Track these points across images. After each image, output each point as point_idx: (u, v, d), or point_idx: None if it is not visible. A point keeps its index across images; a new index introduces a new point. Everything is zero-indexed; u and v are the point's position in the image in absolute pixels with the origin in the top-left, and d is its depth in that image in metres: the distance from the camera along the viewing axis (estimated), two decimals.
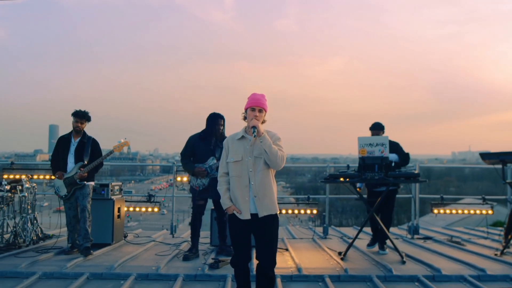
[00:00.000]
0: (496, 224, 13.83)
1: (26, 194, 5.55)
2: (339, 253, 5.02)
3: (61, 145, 5.08)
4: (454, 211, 6.69)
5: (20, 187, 5.56)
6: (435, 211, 6.66)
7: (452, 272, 4.25)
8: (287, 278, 4.12)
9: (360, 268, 4.41)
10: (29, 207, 5.52)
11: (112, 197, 5.57)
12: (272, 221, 3.17)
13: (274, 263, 3.20)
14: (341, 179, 5.02)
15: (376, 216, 5.09)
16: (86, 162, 4.97)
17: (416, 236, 6.51)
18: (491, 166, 5.19)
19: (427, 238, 6.41)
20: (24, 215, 5.46)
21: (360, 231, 5.21)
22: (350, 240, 5.40)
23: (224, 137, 4.85)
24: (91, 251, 4.83)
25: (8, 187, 5.39)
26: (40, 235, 5.71)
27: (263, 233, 3.16)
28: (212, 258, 4.66)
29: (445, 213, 6.67)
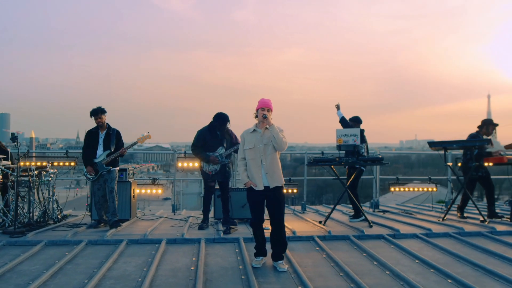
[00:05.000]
0: (440, 202, 15.95)
1: (50, 178, 6.33)
2: (320, 222, 6.27)
3: (90, 138, 5.91)
4: (407, 189, 8.17)
5: (44, 172, 6.32)
6: (392, 189, 8.12)
7: (407, 231, 5.62)
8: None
9: (340, 231, 5.68)
10: (54, 190, 6.31)
11: (129, 179, 6.47)
12: (279, 190, 4.30)
13: (283, 224, 4.33)
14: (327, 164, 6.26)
15: (349, 192, 6.38)
16: (112, 150, 5.86)
17: (376, 210, 7.94)
18: (436, 152, 6.62)
19: (385, 211, 7.85)
20: (50, 196, 6.24)
21: (336, 204, 6.51)
22: (325, 213, 6.69)
23: (228, 131, 5.95)
24: (120, 224, 5.76)
25: (36, 172, 6.14)
26: (61, 215, 6.51)
27: (273, 200, 4.28)
28: (224, 226, 5.77)
29: (400, 191, 8.14)
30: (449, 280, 3.84)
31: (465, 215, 6.86)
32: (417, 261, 4.44)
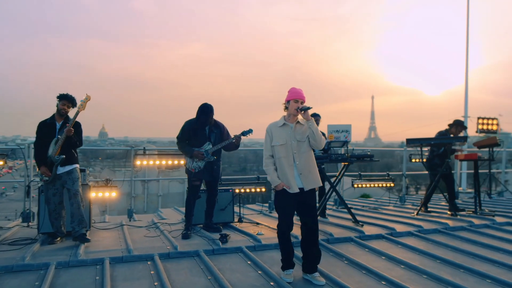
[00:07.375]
0: (363, 196, 16.86)
1: None
2: None
3: (45, 131, 4.63)
4: (368, 185, 8.23)
5: None
6: (355, 185, 8.11)
7: (402, 230, 5.54)
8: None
9: (340, 233, 5.35)
10: None
11: (87, 182, 5.29)
12: (314, 193, 3.79)
13: (318, 232, 3.81)
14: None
15: (336, 191, 6.14)
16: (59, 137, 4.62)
17: (340, 207, 7.84)
18: (413, 148, 6.73)
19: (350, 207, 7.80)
20: None
21: (326, 200, 6.21)
22: None
23: (215, 124, 5.23)
24: (88, 238, 4.61)
25: None
26: None
27: (307, 204, 3.75)
28: (211, 232, 5.07)
29: (362, 186, 8.18)
30: (488, 280, 3.76)
31: (429, 209, 7.12)
32: (438, 261, 4.32)
